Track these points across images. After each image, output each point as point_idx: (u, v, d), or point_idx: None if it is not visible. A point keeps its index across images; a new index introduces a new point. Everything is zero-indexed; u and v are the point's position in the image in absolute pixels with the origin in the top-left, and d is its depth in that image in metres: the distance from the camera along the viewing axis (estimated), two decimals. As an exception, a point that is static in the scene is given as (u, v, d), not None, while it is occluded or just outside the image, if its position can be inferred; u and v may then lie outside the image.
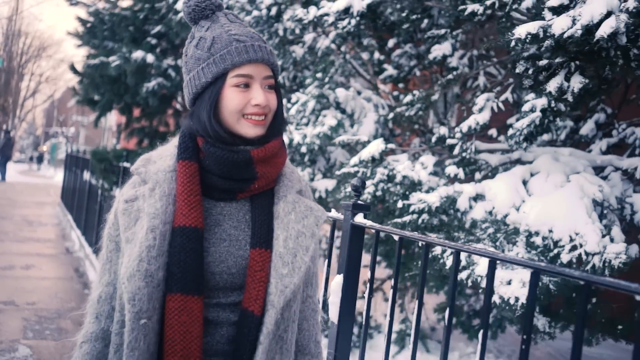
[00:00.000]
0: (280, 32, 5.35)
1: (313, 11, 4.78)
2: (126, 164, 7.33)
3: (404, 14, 4.54)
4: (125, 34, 8.79)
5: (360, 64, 5.66)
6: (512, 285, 2.70)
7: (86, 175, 10.85)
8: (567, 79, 2.80)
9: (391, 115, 4.46)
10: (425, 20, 4.78)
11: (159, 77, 8.51)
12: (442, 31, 4.33)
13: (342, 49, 5.50)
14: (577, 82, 2.77)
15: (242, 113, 1.40)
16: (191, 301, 1.34)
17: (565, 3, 2.60)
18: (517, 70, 2.95)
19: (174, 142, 1.51)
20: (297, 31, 5.54)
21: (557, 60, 2.84)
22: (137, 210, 1.40)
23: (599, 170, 3.50)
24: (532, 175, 3.39)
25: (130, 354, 1.31)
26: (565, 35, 2.45)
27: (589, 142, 3.91)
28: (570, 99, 2.74)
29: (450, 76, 4.07)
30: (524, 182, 3.34)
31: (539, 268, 1.68)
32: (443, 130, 3.87)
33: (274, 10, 5.32)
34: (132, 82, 8.43)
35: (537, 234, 2.86)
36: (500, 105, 3.64)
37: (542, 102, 2.92)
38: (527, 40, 2.57)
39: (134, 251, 1.34)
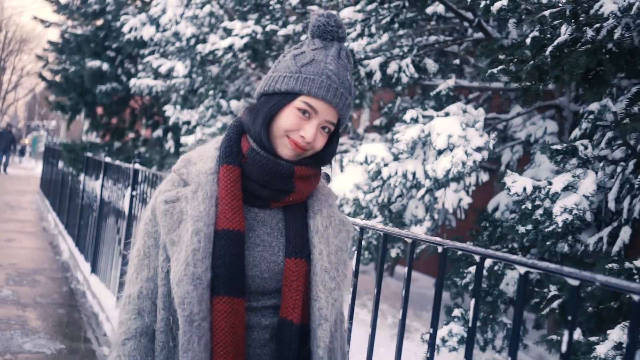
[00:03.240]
0: (198, 58, 7.23)
1: (224, 43, 6.64)
2: (89, 154, 9.16)
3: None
4: (87, 49, 10.84)
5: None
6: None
7: (60, 165, 12.67)
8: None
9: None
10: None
11: (114, 82, 10.62)
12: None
13: (248, 68, 7.39)
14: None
15: (287, 134, 1.42)
16: (237, 303, 1.35)
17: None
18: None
19: (213, 144, 1.52)
20: (212, 55, 7.40)
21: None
22: (179, 212, 1.40)
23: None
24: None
25: (184, 355, 1.31)
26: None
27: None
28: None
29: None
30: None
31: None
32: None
33: (192, 41, 7.20)
34: (89, 85, 10.53)
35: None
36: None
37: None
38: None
39: (181, 255, 1.35)
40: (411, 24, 4.12)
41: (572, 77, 2.27)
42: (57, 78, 10.87)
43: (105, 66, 10.65)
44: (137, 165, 6.00)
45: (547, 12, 2.25)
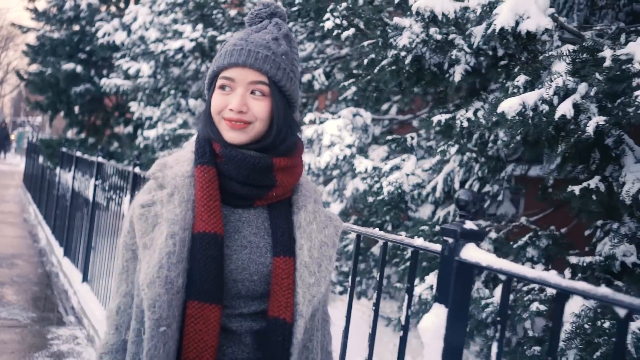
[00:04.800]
0: (161, 59, 8.09)
1: (176, 44, 7.49)
2: (64, 149, 9.97)
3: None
4: (62, 52, 11.78)
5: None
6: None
7: (40, 160, 13.45)
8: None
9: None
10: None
11: (87, 83, 11.59)
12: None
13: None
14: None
15: (222, 116, 1.38)
16: (208, 309, 1.29)
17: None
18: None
19: (190, 147, 1.47)
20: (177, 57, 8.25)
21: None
22: (154, 216, 1.35)
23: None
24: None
25: None
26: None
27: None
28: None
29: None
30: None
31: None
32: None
33: (156, 44, 8.08)
34: (64, 86, 11.48)
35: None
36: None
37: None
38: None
39: (153, 257, 1.30)
40: (322, 38, 4.99)
41: (388, 90, 3.12)
42: (32, 78, 11.89)
43: (79, 68, 11.67)
44: (100, 159, 6.85)
45: (366, 42, 3.11)
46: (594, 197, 2.54)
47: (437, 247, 1.74)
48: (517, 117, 2.30)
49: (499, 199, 4.04)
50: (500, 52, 2.97)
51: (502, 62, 2.96)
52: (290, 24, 5.71)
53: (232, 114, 1.36)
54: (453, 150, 3.61)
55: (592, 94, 2.20)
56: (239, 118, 1.36)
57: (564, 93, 2.28)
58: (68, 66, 11.66)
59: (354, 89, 5.21)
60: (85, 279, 6.78)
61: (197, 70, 8.32)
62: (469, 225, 1.63)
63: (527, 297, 3.05)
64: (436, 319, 1.61)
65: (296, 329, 1.35)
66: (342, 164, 3.98)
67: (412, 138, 3.87)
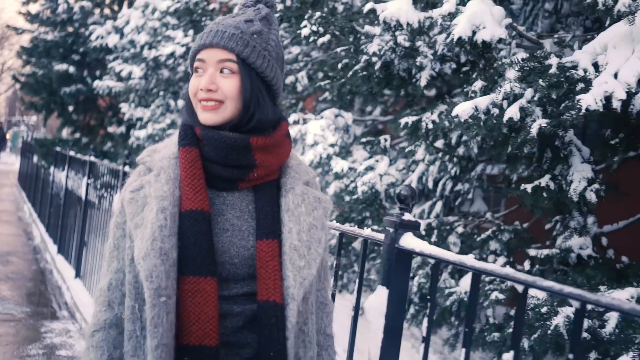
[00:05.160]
0: (151, 63, 8.31)
1: (167, 50, 7.72)
2: (58, 149, 10.16)
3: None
4: (56, 54, 12.03)
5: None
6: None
7: (35, 159, 13.63)
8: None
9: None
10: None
11: (79, 84, 11.85)
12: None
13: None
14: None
15: (197, 98, 1.38)
16: (204, 282, 1.31)
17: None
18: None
19: (177, 132, 1.50)
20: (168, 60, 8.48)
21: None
22: (143, 197, 1.38)
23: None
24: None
25: (154, 330, 1.27)
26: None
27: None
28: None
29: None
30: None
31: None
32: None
33: (146, 48, 8.28)
34: (57, 86, 11.75)
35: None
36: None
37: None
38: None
39: (146, 232, 1.32)
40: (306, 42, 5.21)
41: (359, 94, 3.34)
42: (26, 79, 12.14)
43: (71, 69, 11.92)
44: (92, 158, 7.05)
45: (339, 49, 3.35)
46: (544, 194, 2.77)
47: (382, 236, 1.91)
48: (470, 120, 2.52)
49: (469, 197, 4.27)
50: (463, 59, 3.19)
51: (465, 69, 3.19)
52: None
53: (203, 94, 1.37)
54: (420, 150, 3.83)
55: (536, 98, 2.41)
56: (209, 97, 1.36)
57: (513, 98, 2.50)
58: (60, 67, 11.94)
59: (333, 91, 5.44)
60: (78, 274, 6.98)
61: (188, 72, 8.54)
62: (408, 217, 1.87)
63: (488, 287, 3.27)
64: (378, 299, 1.78)
65: (289, 312, 1.34)
66: (325, 162, 4.20)
67: (386, 140, 4.12)
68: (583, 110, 2.18)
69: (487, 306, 3.21)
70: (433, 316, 1.66)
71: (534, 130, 2.35)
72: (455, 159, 4.23)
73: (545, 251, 3.38)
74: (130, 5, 10.41)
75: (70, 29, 12.70)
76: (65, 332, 5.84)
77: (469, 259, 1.50)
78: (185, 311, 1.31)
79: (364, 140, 4.05)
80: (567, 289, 1.30)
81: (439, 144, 3.90)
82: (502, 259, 3.51)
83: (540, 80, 2.35)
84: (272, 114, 1.42)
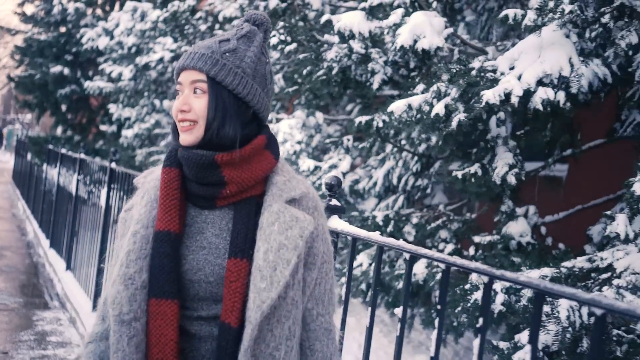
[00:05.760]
0: (139, 65, 8.64)
1: (157, 55, 8.06)
2: (50, 146, 10.48)
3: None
4: (49, 54, 12.40)
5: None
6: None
7: (29, 157, 13.94)
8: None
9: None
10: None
11: (74, 85, 12.21)
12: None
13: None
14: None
15: (177, 120, 1.41)
16: (164, 305, 1.33)
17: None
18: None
19: None
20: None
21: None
22: (130, 218, 1.45)
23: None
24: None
25: (114, 355, 1.33)
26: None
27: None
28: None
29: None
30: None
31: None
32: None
33: (133, 50, 8.61)
34: (52, 88, 12.11)
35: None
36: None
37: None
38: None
39: (120, 257, 1.38)
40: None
41: (321, 97, 3.69)
42: (22, 80, 12.56)
43: (66, 71, 12.32)
44: (82, 155, 7.38)
45: (301, 56, 3.70)
46: (472, 180, 3.12)
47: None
48: (404, 116, 2.87)
49: (427, 191, 4.63)
50: (413, 65, 3.54)
51: (413, 73, 3.54)
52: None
53: (178, 115, 1.40)
54: (388, 149, 4.20)
55: (457, 96, 2.76)
56: (183, 117, 1.39)
57: (443, 96, 2.85)
58: (56, 69, 12.34)
59: (301, 95, 5.79)
60: (68, 267, 7.30)
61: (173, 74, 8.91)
62: (334, 202, 2.22)
63: (436, 269, 3.63)
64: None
65: (244, 335, 1.30)
66: (294, 161, 4.56)
67: (348, 140, 4.48)
68: (483, 104, 2.54)
69: (434, 287, 3.57)
70: (350, 290, 2.01)
71: (454, 123, 2.71)
72: (416, 157, 4.59)
73: (488, 238, 3.74)
74: (122, 6, 10.79)
75: (63, 29, 13.07)
76: (56, 320, 6.17)
77: (376, 236, 1.85)
78: (149, 334, 1.34)
79: (327, 141, 4.40)
80: (473, 264, 1.60)
81: (394, 140, 4.26)
82: (450, 246, 3.86)
83: (461, 81, 2.70)
84: (243, 130, 1.41)
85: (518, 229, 3.79)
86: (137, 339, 1.33)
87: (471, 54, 3.65)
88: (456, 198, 4.86)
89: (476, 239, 3.77)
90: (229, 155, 1.37)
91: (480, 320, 1.54)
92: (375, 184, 4.77)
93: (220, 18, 6.71)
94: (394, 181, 4.69)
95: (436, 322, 1.77)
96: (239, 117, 1.40)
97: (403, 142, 4.61)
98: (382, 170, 4.73)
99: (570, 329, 2.16)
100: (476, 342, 1.59)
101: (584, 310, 2.33)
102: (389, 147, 4.39)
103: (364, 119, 3.72)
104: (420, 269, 3.96)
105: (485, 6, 4.47)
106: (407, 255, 1.73)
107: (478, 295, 2.63)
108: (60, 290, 7.05)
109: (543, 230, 3.95)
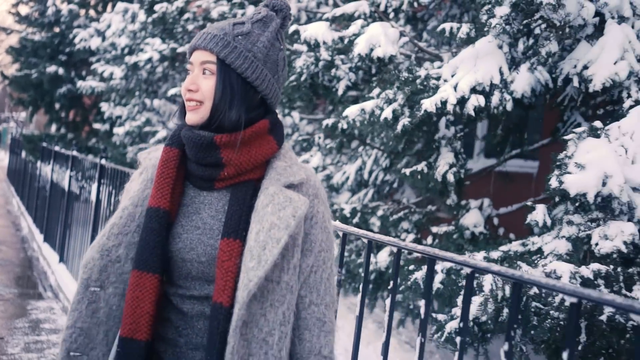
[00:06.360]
0: (131, 65, 8.96)
1: (146, 56, 8.38)
2: (44, 144, 10.79)
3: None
4: (44, 54, 12.75)
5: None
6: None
7: (23, 154, 14.23)
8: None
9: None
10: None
11: (68, 84, 12.57)
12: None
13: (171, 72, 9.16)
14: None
15: (185, 99, 1.42)
16: (145, 278, 1.35)
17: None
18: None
19: None
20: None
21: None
22: (128, 191, 1.50)
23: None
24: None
25: (70, 313, 1.39)
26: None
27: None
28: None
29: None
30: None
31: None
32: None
33: (126, 51, 8.93)
34: (48, 88, 12.46)
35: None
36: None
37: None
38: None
39: (105, 226, 1.42)
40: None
41: (293, 101, 4.07)
42: (17, 78, 12.92)
43: (61, 70, 12.70)
44: (74, 152, 7.70)
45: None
46: (419, 177, 3.48)
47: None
48: (358, 119, 3.22)
49: (394, 186, 4.98)
50: (374, 70, 3.89)
51: (375, 78, 3.88)
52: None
53: (186, 94, 1.40)
54: (342, 148, 4.57)
55: (402, 102, 3.12)
56: (190, 97, 1.39)
57: (392, 102, 3.19)
58: (51, 69, 12.73)
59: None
60: (62, 259, 7.62)
61: (165, 73, 9.22)
62: None
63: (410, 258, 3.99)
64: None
65: (233, 315, 1.29)
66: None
67: (319, 138, 4.84)
68: (422, 111, 2.89)
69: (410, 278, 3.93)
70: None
71: (399, 127, 3.06)
72: (385, 154, 4.95)
73: (444, 228, 4.10)
74: (114, 7, 11.14)
75: (56, 30, 13.42)
76: (50, 309, 6.49)
77: (340, 224, 2.23)
78: (125, 304, 1.36)
79: (299, 138, 4.77)
80: (420, 247, 1.94)
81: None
82: (411, 236, 4.22)
83: (406, 89, 3.05)
84: (248, 114, 1.40)
85: (472, 220, 4.16)
86: (96, 305, 1.39)
87: (428, 59, 4.00)
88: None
89: (434, 229, 4.13)
90: (228, 137, 1.38)
91: (423, 302, 1.88)
92: (347, 178, 5.12)
93: (215, 15, 6.96)
94: (365, 176, 5.05)
95: (387, 301, 2.12)
96: (245, 101, 1.40)
97: (375, 140, 4.96)
98: (354, 166, 5.08)
99: (491, 299, 2.52)
100: (422, 310, 1.89)
101: (507, 288, 2.69)
102: (356, 144, 4.75)
103: (330, 121, 4.07)
104: (383, 257, 4.32)
105: (449, 13, 4.83)
106: (366, 241, 2.10)
107: (419, 275, 2.98)
108: (53, 282, 7.35)
109: (496, 221, 4.31)
